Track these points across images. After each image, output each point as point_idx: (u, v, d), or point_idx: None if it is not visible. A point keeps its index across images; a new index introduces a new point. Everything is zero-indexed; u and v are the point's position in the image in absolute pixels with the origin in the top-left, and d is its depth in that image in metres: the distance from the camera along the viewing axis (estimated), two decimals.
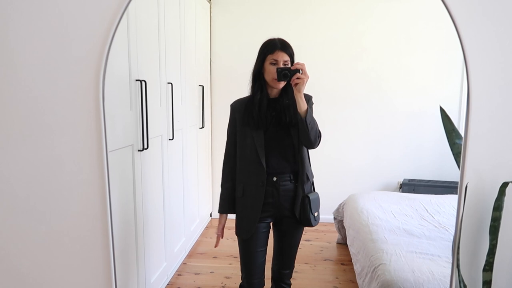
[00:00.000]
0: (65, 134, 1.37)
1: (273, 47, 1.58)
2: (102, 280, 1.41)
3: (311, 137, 1.57)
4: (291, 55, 1.60)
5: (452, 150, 1.16)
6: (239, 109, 1.68)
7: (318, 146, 1.65)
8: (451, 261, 1.90)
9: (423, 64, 3.55)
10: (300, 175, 1.67)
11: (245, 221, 1.70)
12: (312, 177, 1.76)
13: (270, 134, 1.63)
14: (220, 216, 1.77)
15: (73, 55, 1.34)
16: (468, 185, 1.20)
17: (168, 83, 2.45)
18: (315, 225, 1.73)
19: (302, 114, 1.53)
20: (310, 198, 1.68)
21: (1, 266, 1.47)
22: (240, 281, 1.81)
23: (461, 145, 1.14)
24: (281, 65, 1.56)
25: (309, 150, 1.72)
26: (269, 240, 1.79)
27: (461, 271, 1.22)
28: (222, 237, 1.78)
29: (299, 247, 1.84)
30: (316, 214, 1.72)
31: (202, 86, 3.32)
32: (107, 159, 1.30)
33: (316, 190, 1.78)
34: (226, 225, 1.79)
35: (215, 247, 1.80)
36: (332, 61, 3.59)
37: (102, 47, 1.32)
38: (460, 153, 1.13)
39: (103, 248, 1.39)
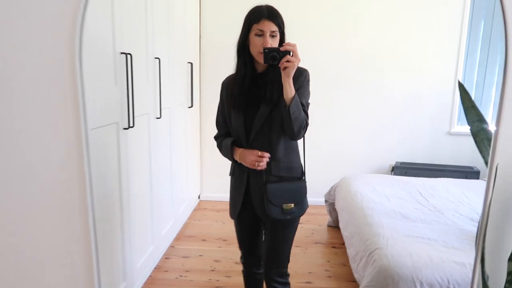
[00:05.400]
0: (37, 107, 1.21)
1: (259, 15, 1.40)
2: (83, 267, 1.30)
3: (294, 128, 1.40)
4: (279, 25, 1.41)
5: (471, 129, 1.07)
6: (226, 86, 1.56)
7: (307, 131, 1.47)
8: (448, 245, 1.86)
9: (418, 46, 3.46)
10: (273, 165, 1.48)
11: (232, 201, 1.65)
12: (300, 169, 1.55)
13: (252, 115, 1.47)
14: (234, 151, 1.51)
15: (42, 14, 1.16)
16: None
17: (156, 58, 2.31)
18: (280, 218, 1.50)
19: (287, 102, 1.37)
20: (268, 186, 1.47)
21: None
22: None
23: (480, 124, 1.05)
24: (268, 36, 1.39)
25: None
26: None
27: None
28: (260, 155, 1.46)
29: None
30: (286, 206, 1.49)
31: (191, 64, 3.18)
32: (86, 137, 1.18)
33: (305, 178, 1.56)
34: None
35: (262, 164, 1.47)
36: (325, 40, 3.47)
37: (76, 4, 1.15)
38: (479, 131, 1.04)
39: (82, 234, 1.27)
